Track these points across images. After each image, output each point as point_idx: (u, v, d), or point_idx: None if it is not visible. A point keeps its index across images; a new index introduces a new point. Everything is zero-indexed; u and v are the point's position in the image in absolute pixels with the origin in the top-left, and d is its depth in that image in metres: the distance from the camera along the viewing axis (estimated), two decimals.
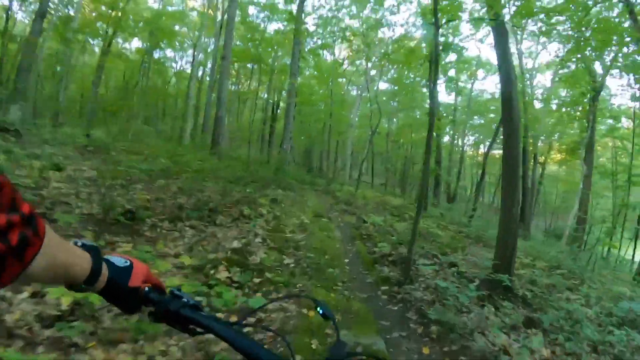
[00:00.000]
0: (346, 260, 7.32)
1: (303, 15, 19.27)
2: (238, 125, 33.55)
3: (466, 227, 13.43)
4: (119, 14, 23.83)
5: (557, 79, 22.09)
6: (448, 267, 7.37)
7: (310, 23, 24.25)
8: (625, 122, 22.37)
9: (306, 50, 27.74)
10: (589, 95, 18.30)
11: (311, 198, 13.11)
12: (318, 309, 0.91)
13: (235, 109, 33.90)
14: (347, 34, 31.20)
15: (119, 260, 0.86)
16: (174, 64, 36.72)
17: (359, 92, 32.05)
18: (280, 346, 3.15)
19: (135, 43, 32.10)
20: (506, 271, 6.08)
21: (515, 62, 22.67)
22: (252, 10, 26.33)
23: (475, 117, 28.77)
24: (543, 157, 25.41)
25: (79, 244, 0.78)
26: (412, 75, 29.39)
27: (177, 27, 29.50)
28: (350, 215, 11.64)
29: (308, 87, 28.10)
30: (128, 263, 0.87)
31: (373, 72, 29.91)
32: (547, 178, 27.11)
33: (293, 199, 12.03)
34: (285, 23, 26.77)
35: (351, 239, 9.15)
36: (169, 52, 35.15)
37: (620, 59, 16.57)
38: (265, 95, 30.68)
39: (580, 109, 20.09)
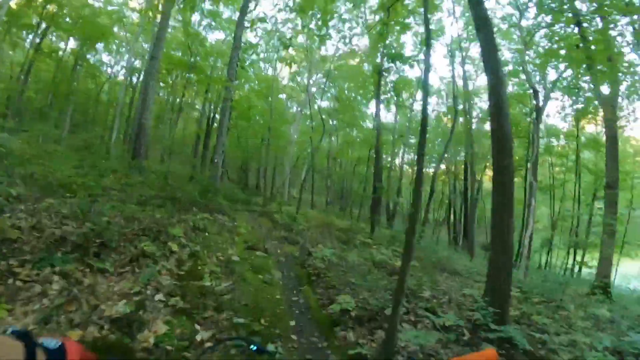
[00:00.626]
0: (292, 324, 4.92)
1: (246, 22, 16.87)
2: (171, 137, 30.23)
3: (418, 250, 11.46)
4: (54, 7, 20.42)
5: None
6: (425, 315, 5.23)
7: (251, 35, 22.55)
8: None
9: (247, 63, 25.66)
10: (533, 114, 17.95)
11: (244, 223, 10.56)
12: (252, 347, 0.90)
13: (169, 121, 30.59)
14: (290, 50, 29.67)
15: (50, 343, 0.77)
16: (109, 69, 32.75)
17: (299, 108, 30.07)
18: None
19: (72, 44, 28.00)
20: (502, 319, 5.00)
21: (459, 82, 22.04)
22: (195, 17, 23.73)
23: (412, 136, 27.61)
24: (480, 174, 24.88)
25: (9, 332, 0.71)
26: (353, 94, 28.06)
27: (115, 29, 26.08)
28: (292, 244, 9.25)
29: (247, 100, 25.62)
30: (60, 344, 0.78)
31: (314, 89, 28.16)
32: (483, 193, 26.39)
33: (222, 224, 9.45)
34: (227, 32, 24.64)
35: (296, 282, 6.77)
36: (106, 57, 31.42)
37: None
38: (201, 107, 27.68)
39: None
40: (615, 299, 10.37)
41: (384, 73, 14.39)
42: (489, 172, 26.46)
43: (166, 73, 26.32)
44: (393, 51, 14.63)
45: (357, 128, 28.81)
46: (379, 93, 14.65)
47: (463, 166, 23.76)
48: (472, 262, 13.79)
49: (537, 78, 18.20)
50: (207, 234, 8.02)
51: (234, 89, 15.50)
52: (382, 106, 23.94)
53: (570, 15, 12.09)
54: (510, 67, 18.92)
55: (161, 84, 27.86)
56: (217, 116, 25.90)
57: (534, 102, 17.95)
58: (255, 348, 0.91)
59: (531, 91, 18.35)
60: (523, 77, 18.80)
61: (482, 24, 5.94)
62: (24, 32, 22.71)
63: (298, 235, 10.18)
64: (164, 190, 10.90)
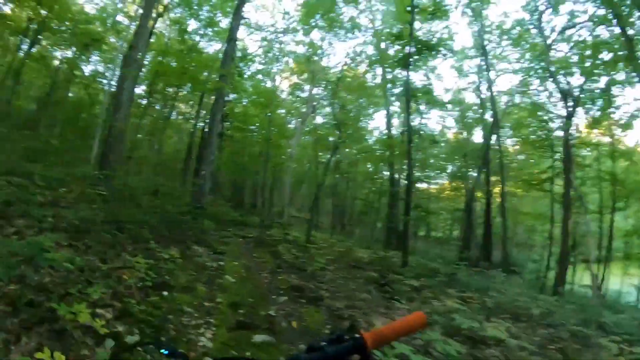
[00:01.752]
0: None
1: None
2: (164, 152, 26.33)
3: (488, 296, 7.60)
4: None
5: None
6: None
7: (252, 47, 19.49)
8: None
9: (245, 75, 22.22)
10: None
11: (235, 260, 6.62)
12: (162, 350, 0.80)
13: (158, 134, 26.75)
14: (289, 59, 26.22)
15: None
16: (104, 81, 28.57)
17: (299, 123, 26.37)
18: None
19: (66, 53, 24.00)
20: None
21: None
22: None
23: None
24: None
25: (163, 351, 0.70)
26: (357, 104, 24.38)
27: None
28: (313, 305, 5.17)
29: (244, 114, 21.89)
30: None
31: (315, 104, 24.58)
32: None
33: (199, 266, 5.54)
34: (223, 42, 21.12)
35: None
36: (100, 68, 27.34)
37: None
38: (194, 117, 23.76)
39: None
40: None
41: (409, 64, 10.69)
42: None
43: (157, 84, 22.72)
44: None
45: (359, 143, 25.01)
46: (409, 89, 10.91)
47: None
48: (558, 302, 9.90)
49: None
50: (165, 293, 4.10)
51: (228, 80, 11.68)
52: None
53: None
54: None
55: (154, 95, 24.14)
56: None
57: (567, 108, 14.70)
58: (167, 352, 0.77)
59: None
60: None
61: None
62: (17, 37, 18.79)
63: (315, 281, 6.23)
64: (121, 211, 6.98)
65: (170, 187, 15.20)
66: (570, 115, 14.45)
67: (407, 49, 10.63)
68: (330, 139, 22.03)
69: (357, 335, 0.75)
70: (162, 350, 0.80)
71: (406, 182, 10.80)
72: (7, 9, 15.89)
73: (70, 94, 24.42)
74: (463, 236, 18.06)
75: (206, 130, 17.48)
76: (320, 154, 23.98)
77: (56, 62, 23.00)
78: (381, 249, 15.01)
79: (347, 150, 23.26)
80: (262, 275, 6.08)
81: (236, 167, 22.01)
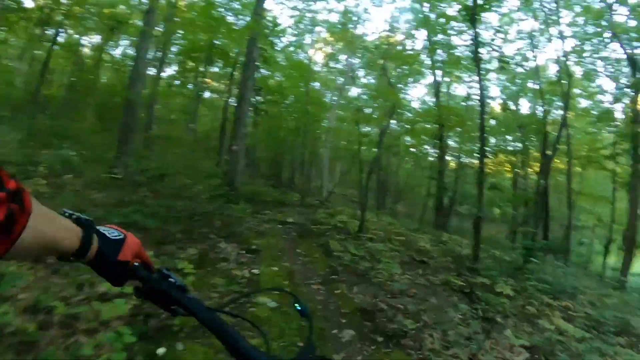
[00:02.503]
0: None
1: None
2: (199, 131, 24.80)
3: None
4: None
5: None
6: None
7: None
8: None
9: (277, 48, 20.17)
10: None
11: (272, 264, 4.70)
12: (296, 305, 0.78)
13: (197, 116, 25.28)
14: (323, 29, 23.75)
15: (112, 232, 0.73)
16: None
17: (336, 95, 24.06)
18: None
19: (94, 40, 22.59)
20: None
21: None
22: None
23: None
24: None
25: (74, 216, 0.66)
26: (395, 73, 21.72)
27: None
28: (396, 351, 3.13)
29: (278, 87, 19.78)
30: (121, 236, 0.74)
31: (351, 74, 22.15)
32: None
33: (222, 278, 3.65)
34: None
35: None
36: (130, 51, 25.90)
37: None
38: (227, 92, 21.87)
39: None
40: None
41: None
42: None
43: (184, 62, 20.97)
44: None
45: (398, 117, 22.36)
46: (477, 47, 8.42)
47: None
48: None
49: None
50: (160, 350, 2.22)
51: (259, 41, 9.61)
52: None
53: None
54: None
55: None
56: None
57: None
58: (299, 309, 0.76)
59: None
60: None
61: None
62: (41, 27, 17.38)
63: (386, 296, 4.24)
64: (132, 197, 5.27)
65: (201, 167, 13.57)
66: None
67: None
68: (368, 110, 19.69)
69: None
70: (296, 305, 0.77)
71: (479, 157, 8.47)
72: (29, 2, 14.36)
73: (103, 79, 23.18)
74: (532, 218, 14.87)
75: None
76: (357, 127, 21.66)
77: (85, 50, 21.78)
78: (432, 230, 12.89)
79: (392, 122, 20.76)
80: (312, 288, 4.14)
81: (273, 143, 20.11)
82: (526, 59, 15.16)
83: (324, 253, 5.60)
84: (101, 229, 0.73)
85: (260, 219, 7.56)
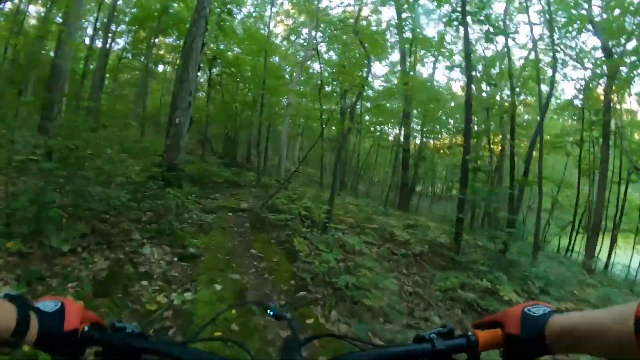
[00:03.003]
0: None
1: None
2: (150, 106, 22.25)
3: None
4: None
5: None
6: None
7: None
8: None
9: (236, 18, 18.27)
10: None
11: (214, 277, 3.22)
12: (269, 311, 0.77)
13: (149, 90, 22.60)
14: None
15: (48, 305, 0.64)
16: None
17: (296, 71, 22.26)
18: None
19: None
20: None
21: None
22: None
23: None
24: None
25: (1, 295, 0.60)
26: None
27: None
28: None
29: (235, 59, 17.63)
30: (59, 305, 0.65)
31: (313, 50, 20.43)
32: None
33: (135, 302, 2.26)
34: None
35: None
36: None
37: None
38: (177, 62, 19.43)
39: None
40: None
41: None
42: None
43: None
44: None
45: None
46: (465, 9, 7.08)
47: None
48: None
49: None
50: None
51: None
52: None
53: None
54: None
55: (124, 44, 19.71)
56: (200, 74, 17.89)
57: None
58: (272, 314, 0.75)
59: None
60: None
61: None
62: None
63: (381, 328, 2.92)
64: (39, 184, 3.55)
65: (147, 144, 11.61)
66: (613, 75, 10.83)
67: None
68: (328, 88, 18.09)
69: (470, 333, 0.63)
70: (268, 311, 0.76)
71: (464, 135, 7.29)
72: None
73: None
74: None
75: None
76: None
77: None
78: (397, 212, 11.86)
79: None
80: (272, 320, 2.77)
81: (228, 118, 18.11)
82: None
83: (287, 255, 4.17)
84: (35, 304, 0.63)
85: (205, 206, 5.98)
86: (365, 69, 12.24)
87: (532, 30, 12.92)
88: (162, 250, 3.58)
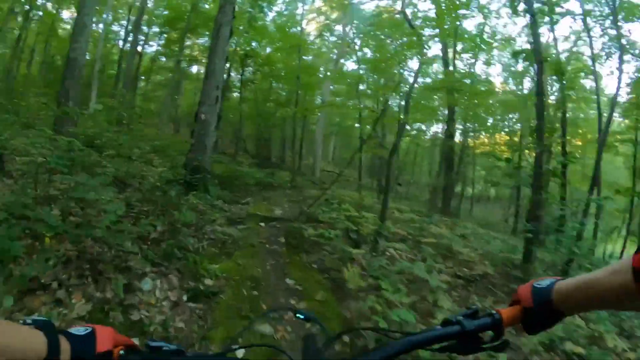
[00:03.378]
0: None
1: None
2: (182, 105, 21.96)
3: None
4: None
5: None
6: None
7: None
8: None
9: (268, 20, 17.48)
10: None
11: (234, 316, 2.17)
12: (298, 315, 0.79)
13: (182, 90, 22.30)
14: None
15: (78, 330, 0.60)
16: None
17: (330, 68, 21.20)
18: None
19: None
20: None
21: None
22: None
23: None
24: None
25: (29, 321, 0.56)
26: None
27: None
28: None
29: (268, 58, 16.76)
30: (89, 330, 0.61)
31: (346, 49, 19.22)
32: None
33: None
34: None
35: None
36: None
37: None
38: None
39: None
40: None
41: None
42: None
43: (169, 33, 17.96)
44: None
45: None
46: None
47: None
48: None
49: None
50: None
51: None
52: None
53: None
54: None
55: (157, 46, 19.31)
56: (233, 74, 17.10)
57: None
58: (302, 317, 0.77)
59: None
60: None
61: None
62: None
63: None
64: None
65: (176, 145, 10.91)
66: None
67: None
68: (361, 87, 16.80)
69: (493, 312, 0.66)
70: (297, 315, 0.77)
71: (535, 130, 5.96)
72: None
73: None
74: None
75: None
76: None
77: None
78: (443, 218, 10.52)
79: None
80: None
81: (261, 118, 17.26)
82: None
83: (333, 289, 3.07)
84: (64, 330, 0.59)
85: (233, 214, 5.00)
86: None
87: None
88: (168, 284, 2.59)
